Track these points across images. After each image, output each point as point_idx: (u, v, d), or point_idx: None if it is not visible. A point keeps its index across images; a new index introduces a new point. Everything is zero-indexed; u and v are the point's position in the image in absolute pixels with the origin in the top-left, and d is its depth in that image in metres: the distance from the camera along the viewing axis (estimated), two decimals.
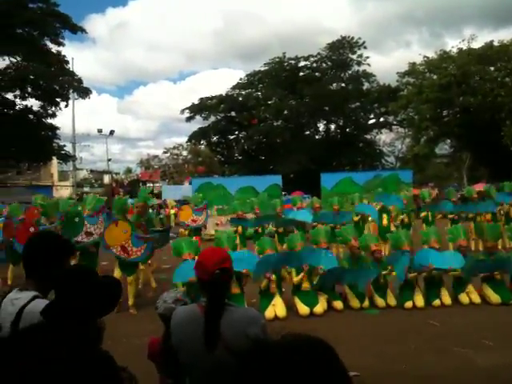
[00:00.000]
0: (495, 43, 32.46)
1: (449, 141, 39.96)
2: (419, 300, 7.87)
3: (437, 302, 7.89)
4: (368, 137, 47.43)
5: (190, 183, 34.13)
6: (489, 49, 32.04)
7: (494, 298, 7.91)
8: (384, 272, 8.03)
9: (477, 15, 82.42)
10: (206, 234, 18.79)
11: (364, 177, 21.32)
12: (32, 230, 8.02)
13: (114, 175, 51.55)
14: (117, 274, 7.96)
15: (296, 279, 7.83)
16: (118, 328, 6.61)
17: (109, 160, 48.35)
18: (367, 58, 43.80)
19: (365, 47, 43.55)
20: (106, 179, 50.60)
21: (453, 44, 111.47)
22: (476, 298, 7.99)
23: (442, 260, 8.05)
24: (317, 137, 47.25)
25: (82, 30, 30.37)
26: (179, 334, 2.26)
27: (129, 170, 58.77)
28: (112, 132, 45.60)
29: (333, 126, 47.91)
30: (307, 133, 46.53)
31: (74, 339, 1.20)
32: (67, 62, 30.10)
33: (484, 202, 14.00)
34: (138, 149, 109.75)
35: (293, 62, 44.24)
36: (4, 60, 28.01)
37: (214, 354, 2.12)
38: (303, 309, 7.54)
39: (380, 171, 25.81)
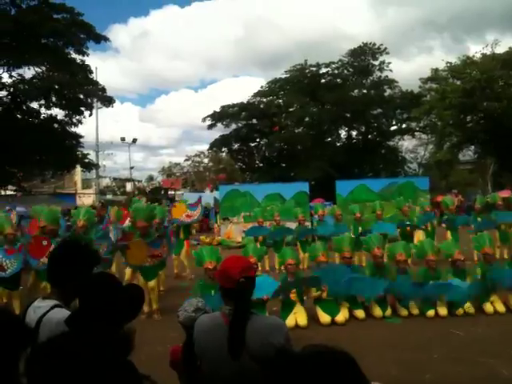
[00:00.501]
0: None
1: (472, 147, 39.39)
2: (442, 308, 7.77)
3: (460, 311, 7.77)
4: (390, 143, 46.91)
5: (212, 191, 34.29)
6: None
7: None
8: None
9: (499, 20, 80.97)
10: (233, 241, 18.90)
11: (379, 184, 20.99)
12: (45, 243, 7.99)
13: (136, 183, 52.13)
14: (140, 281, 8.04)
15: (315, 294, 7.80)
16: (140, 335, 6.64)
17: (131, 168, 49.00)
18: (389, 64, 43.59)
19: (387, 53, 43.27)
20: (129, 187, 51.16)
21: (475, 49, 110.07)
22: (501, 308, 7.84)
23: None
24: (338, 144, 46.94)
25: (106, 39, 30.86)
26: (203, 342, 2.28)
27: (151, 178, 59.40)
28: (135, 140, 46.18)
29: (354, 133, 47.57)
30: (328, 140, 46.29)
31: (96, 346, 1.23)
32: (91, 72, 30.60)
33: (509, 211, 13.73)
34: (159, 156, 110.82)
35: (314, 68, 44.13)
36: (30, 69, 28.67)
37: (237, 362, 2.13)
38: (324, 317, 7.50)
39: (396, 178, 25.53)
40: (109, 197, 48.10)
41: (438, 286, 7.89)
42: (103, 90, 30.86)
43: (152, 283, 8.23)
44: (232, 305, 2.24)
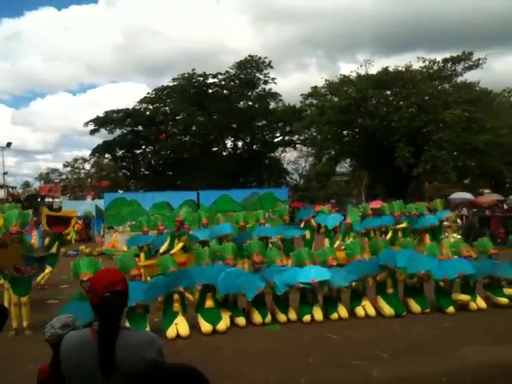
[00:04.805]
0: (390, 69, 34.52)
1: (349, 160, 41.84)
2: (318, 313, 8.14)
3: (334, 316, 8.20)
4: (273, 154, 48.48)
5: (93, 199, 32.89)
6: (385, 74, 33.97)
7: (388, 310, 8.36)
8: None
9: (369, 42, 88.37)
10: (118, 250, 18.21)
11: (242, 194, 21.76)
12: None
13: (10, 189, 48.50)
14: (12, 297, 7.54)
15: (194, 298, 7.87)
16: (10, 352, 6.23)
17: (5, 174, 45.52)
18: (274, 78, 44.99)
19: (271, 67, 44.60)
20: (1, 193, 47.47)
21: (346, 68, 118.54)
22: (371, 311, 8.39)
23: (308, 274, 8.24)
24: (225, 153, 47.42)
25: None
26: (70, 359, 2.16)
27: (27, 184, 55.72)
28: (9, 144, 43.02)
29: (240, 143, 48.40)
30: (215, 149, 46.63)
31: None
32: None
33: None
34: (35, 162, 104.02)
35: (201, 78, 44.27)
36: None
37: (109, 380, 2.06)
38: (206, 326, 7.52)
39: (257, 189, 26.65)
40: None
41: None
42: None
43: (25, 298, 7.75)
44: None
